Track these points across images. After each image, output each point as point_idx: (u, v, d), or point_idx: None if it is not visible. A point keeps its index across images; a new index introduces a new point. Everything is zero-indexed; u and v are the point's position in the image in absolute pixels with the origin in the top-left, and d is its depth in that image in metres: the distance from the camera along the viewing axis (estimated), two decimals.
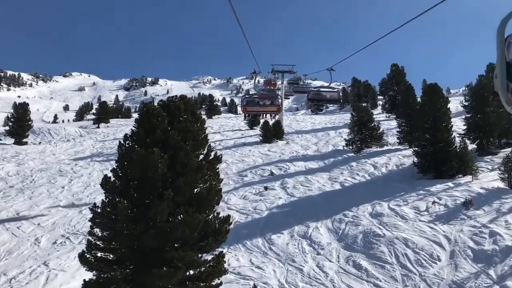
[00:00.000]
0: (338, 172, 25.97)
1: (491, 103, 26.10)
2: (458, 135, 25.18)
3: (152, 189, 8.31)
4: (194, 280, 8.70)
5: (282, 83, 44.68)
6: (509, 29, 2.76)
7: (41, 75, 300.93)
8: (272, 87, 38.93)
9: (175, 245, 8.44)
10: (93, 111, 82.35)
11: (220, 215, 9.52)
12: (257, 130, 43.32)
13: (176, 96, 9.71)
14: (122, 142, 8.89)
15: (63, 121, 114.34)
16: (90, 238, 8.55)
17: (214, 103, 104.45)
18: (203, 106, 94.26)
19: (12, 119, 46.94)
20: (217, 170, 9.85)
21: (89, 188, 26.45)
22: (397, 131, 32.29)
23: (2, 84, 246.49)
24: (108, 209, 8.29)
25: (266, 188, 23.54)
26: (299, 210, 19.94)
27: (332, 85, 21.26)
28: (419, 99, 28.26)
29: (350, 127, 32.85)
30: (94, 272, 8.48)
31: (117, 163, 8.85)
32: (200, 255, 8.94)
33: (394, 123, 44.35)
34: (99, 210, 8.37)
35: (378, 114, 51.90)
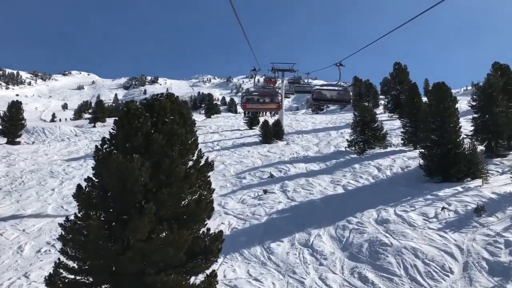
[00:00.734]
0: (340, 175, 24.87)
1: (500, 103, 25.00)
2: (465, 136, 24.09)
3: (131, 202, 7.21)
4: None
5: (282, 82, 43.61)
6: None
7: (40, 74, 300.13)
8: (272, 85, 38.02)
9: (158, 268, 7.32)
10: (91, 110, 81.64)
11: (211, 232, 8.36)
12: (257, 130, 42.22)
13: (162, 93, 8.59)
14: (99, 146, 7.79)
15: (60, 119, 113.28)
16: (61, 257, 7.45)
17: (214, 102, 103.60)
18: (203, 105, 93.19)
19: (4, 118, 45.79)
20: (209, 179, 8.72)
21: None
22: (401, 132, 31.20)
23: (0, 82, 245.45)
24: (81, 225, 7.19)
25: (265, 192, 22.45)
26: (300, 216, 18.84)
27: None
28: (425, 99, 27.17)
29: (352, 128, 31.76)
30: None
31: (93, 171, 7.76)
32: (187, 277, 7.81)
33: (397, 123, 43.34)
34: (69, 225, 7.28)
35: (380, 114, 50.76)
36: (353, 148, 30.13)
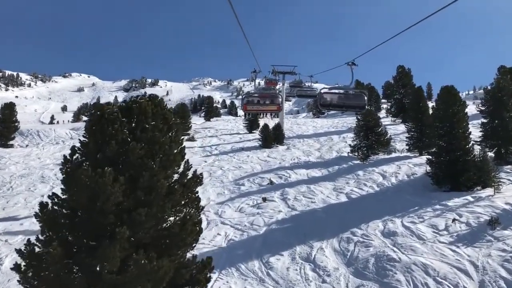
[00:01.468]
0: (343, 182, 23.74)
1: (511, 107, 23.91)
2: (473, 142, 22.97)
3: (101, 225, 6.09)
4: None
5: (283, 85, 42.55)
6: None
7: (40, 75, 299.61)
8: (273, 87, 37.11)
9: None
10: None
11: (197, 260, 7.20)
12: (256, 134, 41.09)
13: (143, 94, 7.46)
14: (68, 156, 6.68)
15: (57, 122, 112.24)
16: None
17: (214, 105, 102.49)
18: (203, 108, 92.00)
19: None
20: (197, 195, 7.58)
21: None
22: (406, 137, 30.06)
23: (0, 84, 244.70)
24: (42, 250, 6.08)
25: (264, 200, 21.32)
26: (301, 227, 17.70)
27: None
28: (432, 104, 26.08)
29: (355, 132, 30.64)
30: None
31: (62, 185, 6.65)
32: None
33: (400, 127, 42.25)
34: (28, 250, 6.15)
35: (383, 118, 49.65)
36: (356, 154, 29.02)
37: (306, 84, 40.90)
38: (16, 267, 6.23)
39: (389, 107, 53.48)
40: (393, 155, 29.56)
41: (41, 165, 33.24)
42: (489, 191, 19.38)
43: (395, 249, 14.79)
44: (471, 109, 33.86)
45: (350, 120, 57.58)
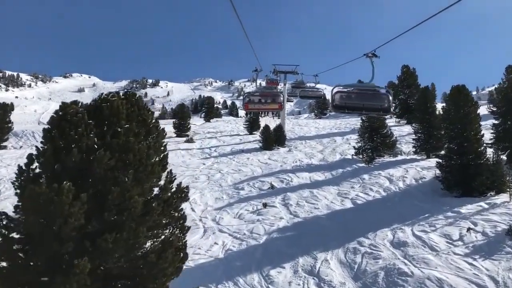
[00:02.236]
0: (348, 186, 22.55)
1: None
2: (484, 145, 21.77)
3: (57, 255, 4.92)
4: None
5: (285, 84, 41.40)
6: None
7: (40, 76, 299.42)
8: (274, 87, 36.11)
9: None
10: None
11: None
12: (257, 136, 39.91)
13: (116, 92, 6.29)
14: (24, 167, 5.52)
15: None
16: None
17: (215, 106, 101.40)
18: (203, 109, 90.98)
19: None
20: (182, 213, 6.39)
21: None
22: (413, 139, 28.86)
23: (0, 84, 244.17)
24: None
25: (265, 205, 20.15)
26: (304, 235, 16.52)
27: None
28: (441, 105, 24.89)
29: (359, 134, 29.45)
30: None
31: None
32: None
33: (405, 129, 41.08)
34: None
35: (387, 119, 48.46)
36: (361, 156, 27.82)
37: (309, 84, 39.65)
38: None
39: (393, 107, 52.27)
40: (399, 157, 28.39)
41: None
42: (504, 197, 18.19)
43: (406, 261, 13.61)
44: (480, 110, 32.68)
45: (353, 121, 56.39)
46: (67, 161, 5.15)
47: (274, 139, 36.93)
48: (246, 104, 22.47)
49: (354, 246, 15.08)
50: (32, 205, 4.83)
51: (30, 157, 5.63)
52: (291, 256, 14.79)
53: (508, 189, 18.22)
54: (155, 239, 5.85)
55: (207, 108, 72.49)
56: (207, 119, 68.96)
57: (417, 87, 43.42)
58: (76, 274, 4.52)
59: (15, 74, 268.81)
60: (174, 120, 52.11)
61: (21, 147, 44.85)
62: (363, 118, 29.31)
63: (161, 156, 6.25)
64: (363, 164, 26.91)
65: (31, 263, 5.06)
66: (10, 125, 45.03)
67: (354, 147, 29.57)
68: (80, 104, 5.77)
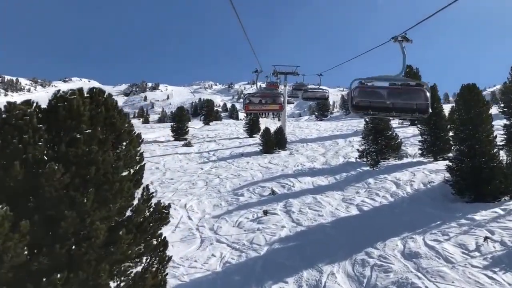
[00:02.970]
0: (353, 191, 21.44)
1: None
2: (498, 147, 20.69)
3: None
4: None
5: (285, 86, 40.34)
6: None
7: (40, 80, 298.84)
8: (275, 89, 35.22)
9: None
10: None
11: None
12: (257, 139, 38.81)
13: (78, 89, 5.13)
14: None
15: None
16: None
17: (215, 109, 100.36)
18: (203, 112, 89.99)
19: None
20: (161, 239, 5.24)
21: None
22: (419, 141, 27.78)
23: None
24: None
25: (265, 213, 19.04)
26: (308, 246, 15.39)
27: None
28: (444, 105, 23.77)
29: (363, 136, 28.36)
30: None
31: None
32: None
33: (409, 130, 40.07)
34: None
35: (389, 121, 47.38)
36: (365, 159, 26.72)
37: (311, 86, 38.49)
38: None
39: None
40: (405, 160, 27.32)
41: None
42: None
43: (419, 274, 12.48)
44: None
45: (355, 123, 55.34)
46: (6, 178, 4.03)
47: (274, 142, 35.85)
48: (246, 105, 22.36)
49: (362, 257, 13.97)
50: None
51: None
52: (295, 269, 13.67)
53: None
54: (123, 278, 4.67)
55: (206, 111, 71.38)
56: (206, 122, 67.88)
57: None
58: None
59: (14, 79, 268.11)
60: (172, 123, 51.06)
61: None
62: (367, 119, 28.21)
63: (137, 168, 5.13)
64: (367, 168, 25.82)
65: None
66: None
67: (357, 149, 28.52)
68: (34, 104, 4.67)
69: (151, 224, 5.02)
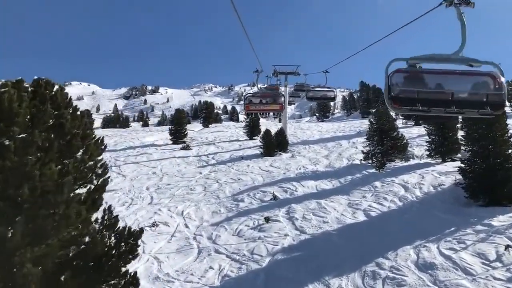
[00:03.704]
0: (359, 196, 20.31)
1: None
2: None
3: None
4: None
5: (286, 86, 39.21)
6: None
7: None
8: (276, 89, 34.35)
9: None
10: None
11: None
12: (257, 141, 37.67)
13: (19, 80, 3.99)
14: None
15: None
16: None
17: (215, 111, 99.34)
18: (202, 114, 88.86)
19: None
20: (130, 277, 4.12)
21: None
22: (427, 141, 26.66)
23: None
24: None
25: (267, 220, 17.89)
26: (313, 256, 14.25)
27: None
28: None
29: (368, 137, 27.25)
30: None
31: None
32: None
33: (414, 130, 39.02)
34: None
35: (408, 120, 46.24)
36: (370, 161, 25.59)
37: (312, 86, 37.20)
38: None
39: None
40: (412, 162, 26.20)
41: None
42: None
43: None
44: None
45: (357, 124, 54.23)
46: None
47: (275, 144, 34.70)
48: (247, 105, 22.41)
49: (372, 269, 12.83)
50: None
51: None
52: (299, 283, 12.52)
53: None
54: None
55: (205, 113, 70.18)
56: (206, 124, 66.70)
57: None
58: None
59: None
60: (170, 126, 49.91)
61: None
62: (372, 120, 27.11)
63: (98, 182, 3.99)
64: (373, 170, 24.69)
65: None
66: None
67: (362, 151, 27.39)
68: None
69: (113, 260, 3.83)
